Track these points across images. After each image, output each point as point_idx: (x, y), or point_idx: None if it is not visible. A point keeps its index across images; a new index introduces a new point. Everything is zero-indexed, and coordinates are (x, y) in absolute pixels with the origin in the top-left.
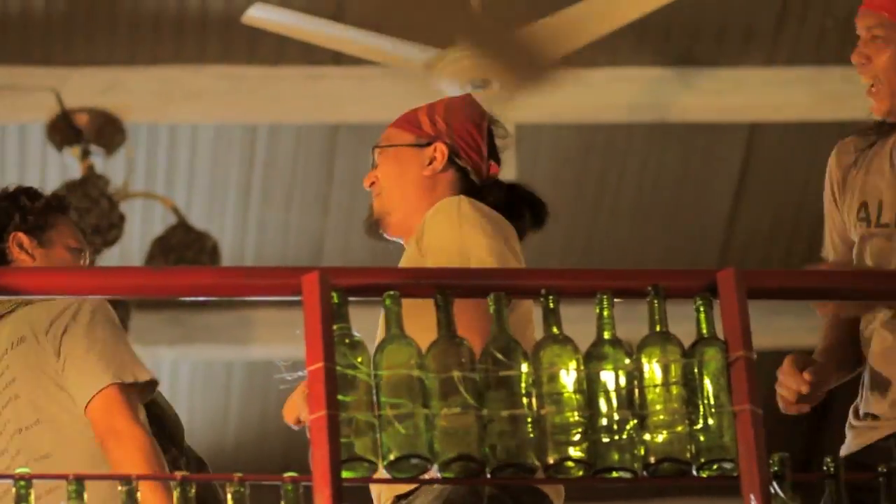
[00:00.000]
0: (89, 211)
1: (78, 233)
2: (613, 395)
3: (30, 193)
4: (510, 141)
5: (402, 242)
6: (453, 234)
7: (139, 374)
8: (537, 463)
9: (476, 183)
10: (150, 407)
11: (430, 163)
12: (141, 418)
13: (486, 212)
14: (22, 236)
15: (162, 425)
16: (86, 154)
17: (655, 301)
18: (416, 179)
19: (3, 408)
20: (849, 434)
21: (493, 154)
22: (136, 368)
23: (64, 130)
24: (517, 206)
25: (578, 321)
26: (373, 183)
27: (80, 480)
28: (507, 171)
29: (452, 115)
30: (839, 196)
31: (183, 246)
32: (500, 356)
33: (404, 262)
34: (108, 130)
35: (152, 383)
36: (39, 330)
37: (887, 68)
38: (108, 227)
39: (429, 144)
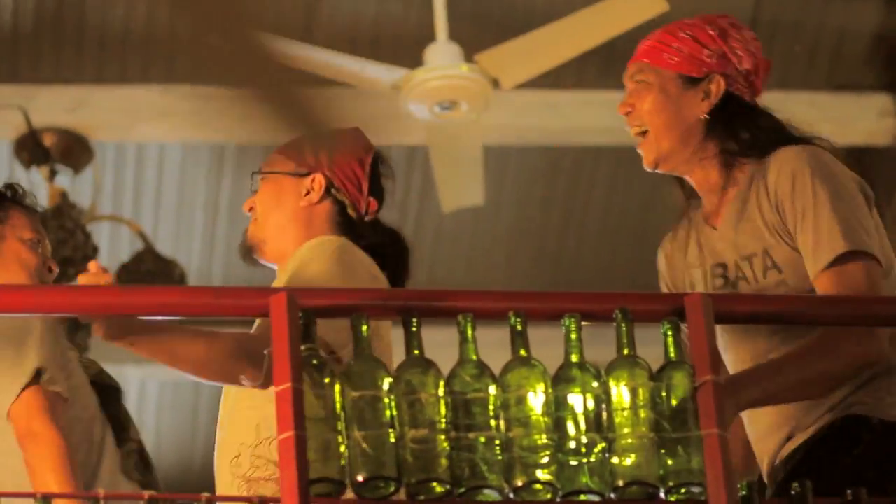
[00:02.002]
0: (65, 242)
1: (34, 221)
2: (581, 418)
3: None
4: (394, 179)
5: (274, 268)
6: (317, 268)
7: (59, 382)
8: (505, 485)
9: (353, 218)
10: (109, 390)
11: (307, 193)
12: (60, 423)
13: (360, 262)
14: None
15: (114, 415)
16: (53, 173)
17: (623, 324)
18: (292, 209)
19: None
20: None
21: (375, 191)
22: (59, 375)
23: (31, 149)
24: (389, 252)
25: (546, 344)
26: (251, 208)
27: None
28: (475, 193)
29: (335, 146)
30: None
31: (151, 274)
32: (467, 378)
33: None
34: (75, 150)
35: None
36: None
37: (651, 111)
38: (83, 259)
39: (307, 174)
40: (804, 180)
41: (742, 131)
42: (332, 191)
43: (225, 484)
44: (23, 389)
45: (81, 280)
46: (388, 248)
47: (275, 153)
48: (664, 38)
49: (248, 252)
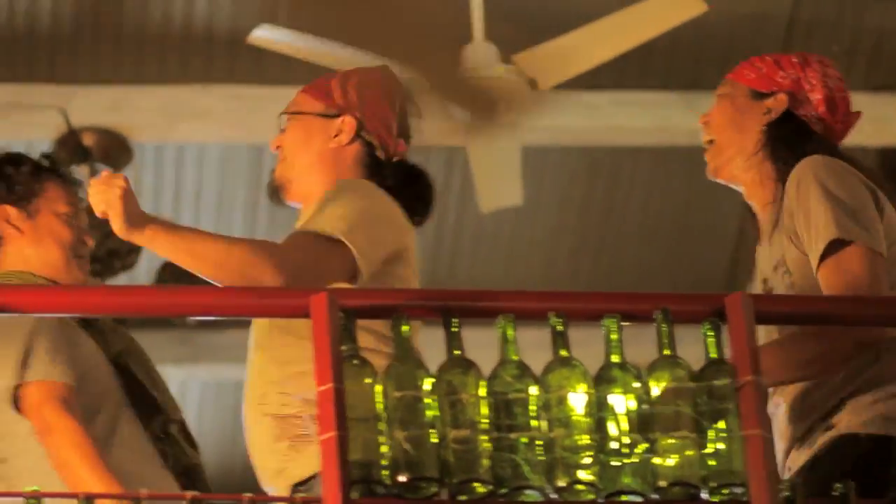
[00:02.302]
0: (109, 235)
1: (70, 194)
2: (623, 419)
3: (14, 160)
4: (421, 122)
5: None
6: (334, 209)
7: (65, 374)
8: (547, 486)
9: (380, 160)
10: (125, 376)
11: (337, 135)
12: (71, 407)
13: (380, 201)
14: (9, 209)
15: (140, 395)
16: (93, 173)
17: (664, 325)
18: (320, 150)
19: None
20: None
21: (404, 132)
22: (63, 366)
23: (71, 149)
24: (413, 191)
25: (585, 344)
26: (278, 147)
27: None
28: (514, 194)
29: (365, 87)
30: None
31: (190, 274)
32: (509, 379)
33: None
34: (115, 149)
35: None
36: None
37: (718, 121)
38: (128, 252)
39: (337, 116)
40: (807, 182)
41: (791, 151)
42: (362, 133)
43: (253, 427)
44: (19, 387)
45: (93, 187)
46: (412, 187)
47: (302, 92)
48: (755, 60)
49: (275, 192)
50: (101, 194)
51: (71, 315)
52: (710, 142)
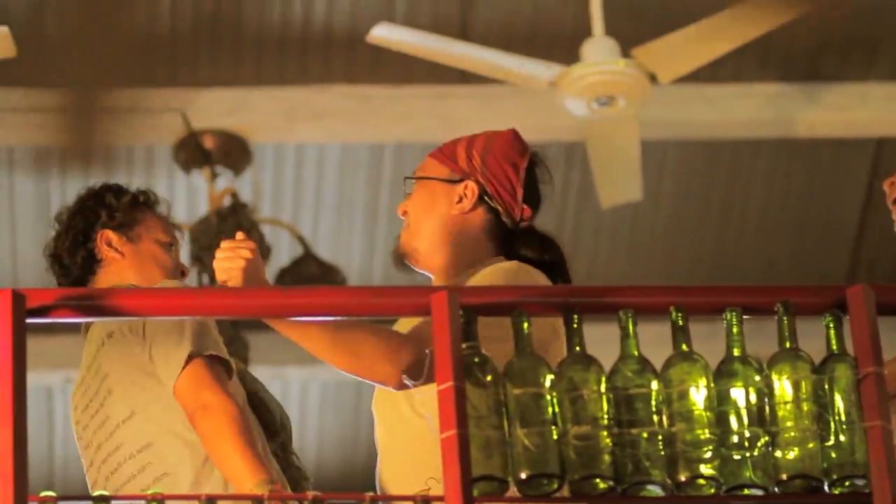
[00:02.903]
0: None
1: (168, 226)
2: (744, 412)
3: (115, 190)
4: (551, 183)
5: (429, 275)
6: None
7: (221, 350)
8: (668, 481)
9: (507, 226)
10: (251, 398)
11: (459, 200)
12: (230, 391)
13: (536, 282)
14: (110, 234)
15: (262, 419)
16: (214, 176)
17: (785, 318)
18: (444, 216)
19: (101, 405)
20: None
21: (531, 198)
22: (219, 346)
23: (191, 151)
24: (546, 260)
25: (707, 339)
26: (405, 212)
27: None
28: (633, 189)
29: (490, 151)
30: None
31: (313, 279)
32: (630, 374)
33: None
34: (234, 151)
35: (228, 364)
36: (124, 323)
37: None
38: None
39: (461, 181)
40: None
41: None
42: (485, 198)
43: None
44: (186, 364)
45: (220, 252)
46: (545, 257)
47: (429, 156)
48: None
49: (401, 259)
50: (226, 261)
51: (191, 316)
52: None
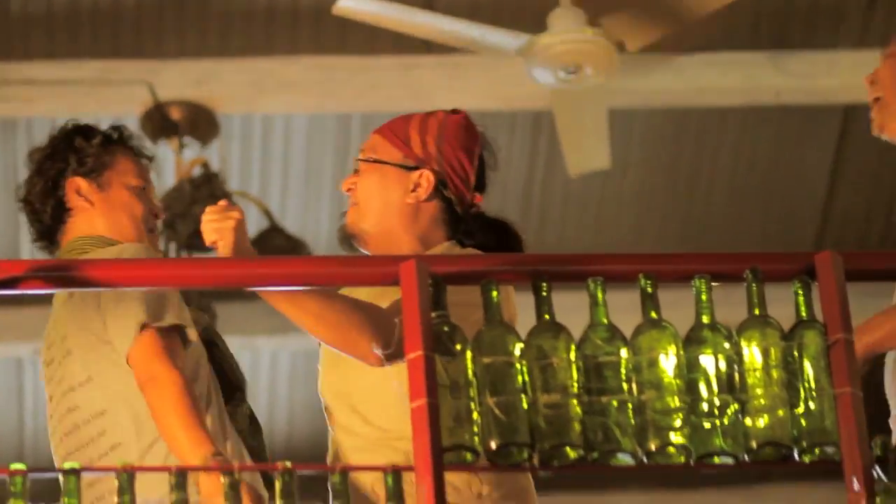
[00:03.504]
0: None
1: (140, 167)
2: (714, 380)
3: (85, 132)
4: (497, 166)
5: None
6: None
7: (178, 318)
8: (638, 449)
9: (459, 215)
10: (212, 351)
11: (414, 189)
12: (179, 364)
13: None
14: (80, 181)
15: (222, 373)
16: (182, 147)
17: (754, 284)
18: (397, 203)
19: (60, 363)
20: None
21: (480, 185)
22: (178, 313)
23: (158, 123)
24: (500, 244)
25: (675, 306)
26: (350, 189)
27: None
28: (601, 157)
29: (444, 139)
30: None
31: (280, 251)
32: (599, 342)
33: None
34: (201, 123)
35: (182, 330)
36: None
37: (888, 82)
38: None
39: (415, 168)
40: None
41: None
42: (440, 188)
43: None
44: (139, 332)
45: (207, 215)
46: (499, 243)
47: (378, 136)
48: None
49: (348, 239)
50: (215, 223)
51: (162, 287)
52: (877, 99)
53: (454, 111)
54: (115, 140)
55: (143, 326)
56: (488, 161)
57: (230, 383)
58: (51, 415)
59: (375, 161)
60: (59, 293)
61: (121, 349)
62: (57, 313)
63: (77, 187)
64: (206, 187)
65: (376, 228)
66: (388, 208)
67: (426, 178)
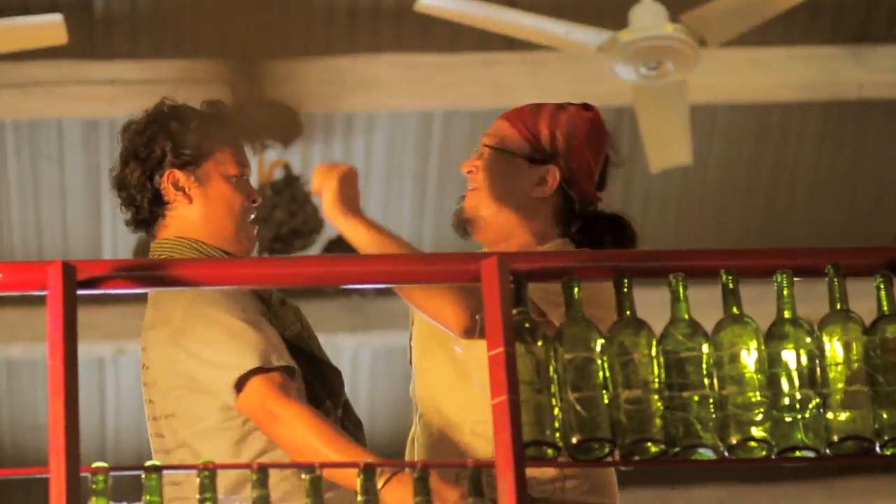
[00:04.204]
0: (294, 215)
1: (237, 151)
2: (795, 374)
3: (180, 116)
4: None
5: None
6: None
7: (282, 357)
8: (720, 444)
9: (577, 213)
10: (304, 356)
11: (540, 183)
12: (294, 395)
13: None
14: (177, 174)
15: (320, 375)
16: (263, 147)
17: (835, 279)
18: (521, 195)
19: (148, 386)
20: None
21: (602, 183)
22: (278, 350)
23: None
24: (616, 241)
25: (758, 302)
26: (471, 172)
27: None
28: (683, 153)
29: (574, 135)
30: None
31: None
32: (681, 338)
33: None
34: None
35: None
36: (164, 327)
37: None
38: (310, 232)
39: (543, 162)
40: None
41: None
42: (564, 184)
43: None
44: (245, 380)
45: (318, 172)
46: (615, 241)
47: (507, 122)
48: None
49: (463, 224)
50: (324, 173)
51: (244, 286)
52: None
53: (586, 107)
54: (213, 121)
55: (251, 373)
56: (613, 159)
57: (328, 390)
58: (148, 415)
59: (503, 150)
60: (147, 316)
61: (223, 397)
62: (143, 334)
63: (175, 180)
64: (287, 191)
65: (495, 218)
66: (509, 199)
67: (552, 174)
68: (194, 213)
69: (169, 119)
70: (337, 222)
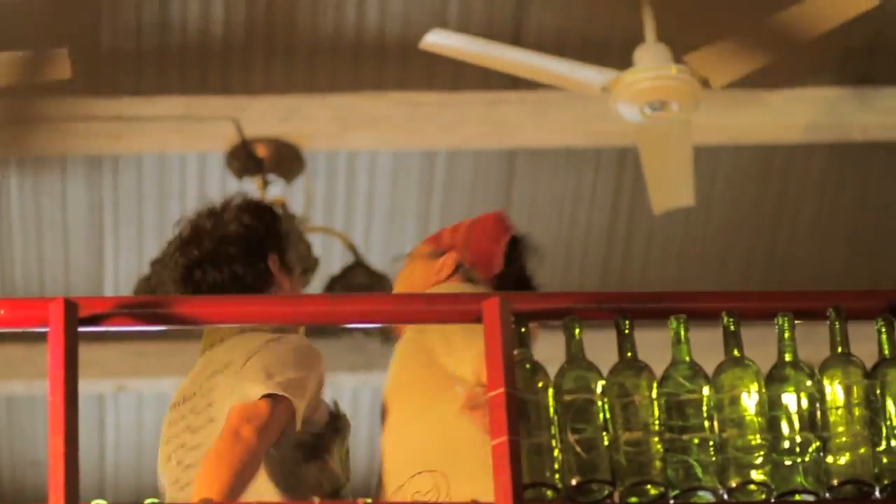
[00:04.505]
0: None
1: (301, 250)
2: (795, 418)
3: (271, 211)
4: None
5: None
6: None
7: (298, 401)
8: (719, 487)
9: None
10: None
11: (438, 271)
12: (270, 439)
13: None
14: (279, 260)
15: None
16: (266, 184)
17: (836, 322)
18: (422, 286)
19: (202, 428)
20: None
21: (511, 265)
22: (299, 393)
23: (243, 159)
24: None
25: (759, 344)
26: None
27: None
28: (686, 194)
29: (472, 231)
30: None
31: (363, 288)
32: (681, 380)
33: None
34: (287, 159)
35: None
36: (245, 356)
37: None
38: (303, 272)
39: (441, 254)
40: None
41: None
42: (462, 268)
43: None
44: (259, 398)
45: None
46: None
47: (421, 243)
48: None
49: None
50: None
51: (246, 324)
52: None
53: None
54: (289, 225)
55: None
56: (525, 253)
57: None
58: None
59: (409, 256)
60: (215, 357)
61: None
62: (209, 376)
63: (278, 264)
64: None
65: None
66: (414, 289)
67: (449, 257)
68: None
69: (267, 211)
70: None
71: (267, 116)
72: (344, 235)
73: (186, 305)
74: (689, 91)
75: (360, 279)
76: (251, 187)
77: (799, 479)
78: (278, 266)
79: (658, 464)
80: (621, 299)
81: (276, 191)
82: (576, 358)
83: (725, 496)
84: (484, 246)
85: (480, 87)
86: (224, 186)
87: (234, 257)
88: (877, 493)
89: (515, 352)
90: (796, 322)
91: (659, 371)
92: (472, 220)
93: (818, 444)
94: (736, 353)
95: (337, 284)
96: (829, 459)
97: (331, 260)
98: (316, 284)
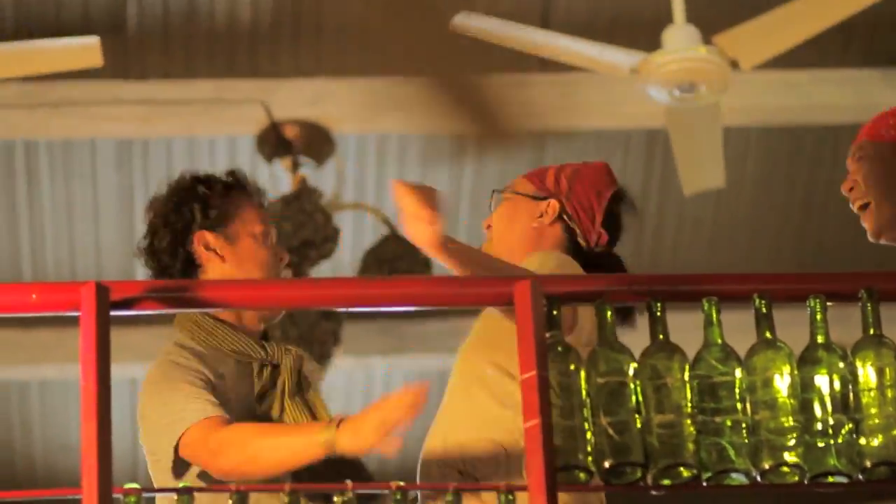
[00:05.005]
0: (304, 225)
1: (261, 212)
2: (828, 399)
3: (205, 180)
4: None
5: None
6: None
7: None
8: (752, 469)
9: (581, 246)
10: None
11: (541, 216)
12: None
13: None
14: (207, 235)
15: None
16: (296, 166)
17: (869, 304)
18: (523, 229)
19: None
20: None
21: (610, 226)
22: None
23: (273, 142)
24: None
25: (791, 326)
26: (489, 226)
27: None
28: (716, 176)
29: (577, 178)
30: None
31: (396, 257)
32: (714, 362)
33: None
34: (317, 142)
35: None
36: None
37: (868, 182)
38: (323, 241)
39: (544, 199)
40: None
41: None
42: (565, 217)
43: None
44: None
45: (399, 190)
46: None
47: (520, 176)
48: (880, 118)
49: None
50: (405, 192)
51: (276, 308)
52: (865, 206)
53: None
54: (235, 186)
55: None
56: (624, 209)
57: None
58: None
59: (509, 193)
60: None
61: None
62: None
63: (205, 241)
64: (296, 203)
65: (505, 255)
66: (514, 235)
67: (552, 205)
68: (226, 272)
69: (194, 184)
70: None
71: (296, 99)
72: (375, 209)
73: (216, 289)
74: (718, 72)
75: (390, 249)
76: (280, 170)
77: (832, 460)
78: (209, 242)
79: (691, 446)
80: (652, 282)
81: (306, 173)
82: (607, 341)
83: (758, 478)
84: (587, 197)
85: (509, 69)
86: (254, 169)
87: (161, 251)
88: None
89: (548, 334)
90: (828, 304)
91: (691, 354)
92: (578, 168)
93: (851, 425)
94: (768, 335)
95: (371, 255)
96: (862, 441)
97: (364, 234)
98: (346, 259)
